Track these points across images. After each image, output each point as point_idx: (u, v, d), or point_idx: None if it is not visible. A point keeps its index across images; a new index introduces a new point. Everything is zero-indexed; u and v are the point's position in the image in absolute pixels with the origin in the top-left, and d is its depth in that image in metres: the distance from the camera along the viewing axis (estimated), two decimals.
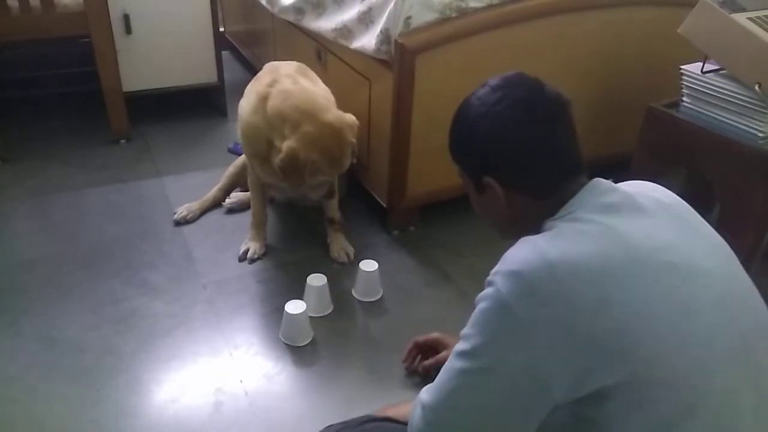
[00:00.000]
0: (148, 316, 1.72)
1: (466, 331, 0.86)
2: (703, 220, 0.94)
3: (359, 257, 1.89)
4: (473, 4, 1.84)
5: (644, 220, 0.86)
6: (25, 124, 2.78)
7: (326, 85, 1.98)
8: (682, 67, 1.79)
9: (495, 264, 0.86)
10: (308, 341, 1.66)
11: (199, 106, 3.00)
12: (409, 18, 1.78)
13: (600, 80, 2.16)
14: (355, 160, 1.84)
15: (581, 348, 0.77)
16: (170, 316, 1.72)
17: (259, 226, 2.02)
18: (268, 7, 2.60)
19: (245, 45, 3.43)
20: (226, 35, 3.59)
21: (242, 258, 1.97)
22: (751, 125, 1.65)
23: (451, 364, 0.87)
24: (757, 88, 1.60)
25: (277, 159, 1.69)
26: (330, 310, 1.77)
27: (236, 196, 2.24)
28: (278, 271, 1.94)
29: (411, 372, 1.55)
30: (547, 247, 0.82)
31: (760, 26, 1.63)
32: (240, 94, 1.95)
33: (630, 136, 1.98)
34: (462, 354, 0.86)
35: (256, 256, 1.97)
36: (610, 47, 2.11)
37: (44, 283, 1.83)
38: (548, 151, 0.92)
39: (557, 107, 0.93)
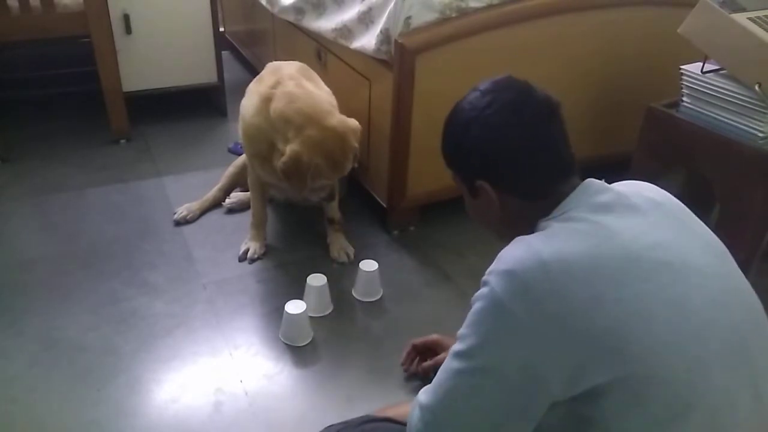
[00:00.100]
0: (148, 316, 1.72)
1: (462, 331, 0.86)
2: (698, 219, 0.94)
3: (359, 257, 1.89)
4: (473, 4, 1.84)
5: (638, 218, 0.86)
6: (25, 124, 2.78)
7: (326, 85, 1.98)
8: (682, 67, 1.79)
9: None
10: (308, 341, 1.66)
11: (199, 106, 3.00)
12: (409, 18, 1.78)
13: (600, 80, 2.16)
14: (356, 165, 1.84)
15: (575, 345, 0.77)
16: (170, 316, 1.73)
17: (259, 226, 2.02)
18: (268, 7, 2.60)
19: (245, 45, 3.43)
20: (226, 35, 3.59)
21: (242, 258, 1.97)
22: (751, 125, 1.65)
23: (448, 364, 0.88)
24: (757, 88, 1.60)
25: (280, 162, 1.69)
26: (330, 310, 1.77)
27: (236, 196, 2.24)
28: (278, 271, 1.94)
29: (410, 375, 1.55)
30: (541, 246, 0.82)
31: (760, 26, 1.63)
32: (240, 94, 1.95)
33: (630, 136, 1.97)
34: (458, 354, 0.86)
35: (256, 256, 1.97)
36: (610, 47, 2.11)
37: (44, 283, 1.83)
38: (539, 153, 0.92)
39: (546, 109, 0.93)
